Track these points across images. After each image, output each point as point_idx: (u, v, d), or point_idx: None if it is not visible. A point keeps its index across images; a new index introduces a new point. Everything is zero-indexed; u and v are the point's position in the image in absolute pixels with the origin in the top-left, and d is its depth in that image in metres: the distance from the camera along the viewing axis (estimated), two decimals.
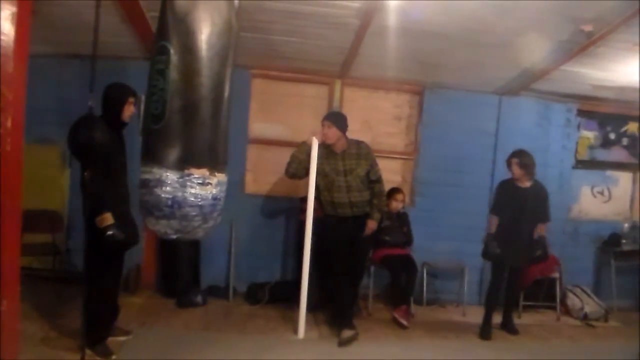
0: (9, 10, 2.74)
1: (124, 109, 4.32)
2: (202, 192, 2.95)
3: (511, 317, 6.21)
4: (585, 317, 6.73)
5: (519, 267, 6.12)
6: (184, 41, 2.93)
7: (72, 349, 4.40)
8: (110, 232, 4.05)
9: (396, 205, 6.53)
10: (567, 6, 4.78)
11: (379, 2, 4.80)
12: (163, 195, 2.90)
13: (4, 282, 2.87)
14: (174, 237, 3.07)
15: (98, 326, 4.34)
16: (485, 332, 5.93)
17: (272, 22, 5.46)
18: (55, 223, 6.34)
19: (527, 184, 5.91)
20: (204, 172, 2.97)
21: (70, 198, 6.49)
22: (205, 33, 2.94)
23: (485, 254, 6.02)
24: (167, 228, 3.01)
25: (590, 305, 6.82)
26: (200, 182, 2.94)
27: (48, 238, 6.17)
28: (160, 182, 2.90)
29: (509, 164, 5.94)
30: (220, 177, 3.09)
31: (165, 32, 2.98)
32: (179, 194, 2.90)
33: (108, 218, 4.06)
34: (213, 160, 3.04)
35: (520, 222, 5.89)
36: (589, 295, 7.00)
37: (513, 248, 5.86)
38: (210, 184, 2.99)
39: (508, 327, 6.12)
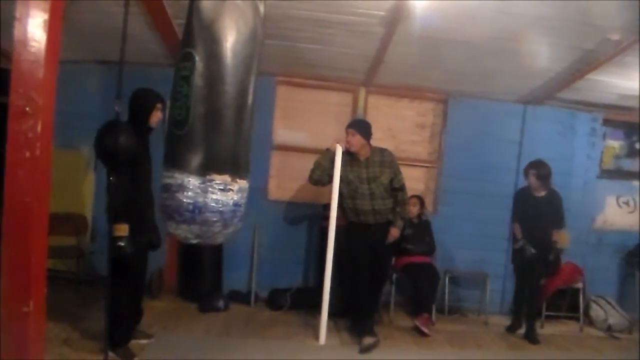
0: (40, 18, 2.80)
1: (151, 114, 4.37)
2: (223, 198, 2.97)
3: (534, 326, 6.16)
4: (609, 329, 6.65)
5: (538, 274, 6.17)
6: (209, 48, 2.96)
7: (94, 351, 4.46)
8: (120, 244, 4.07)
9: (411, 209, 6.47)
10: (593, 15, 4.74)
11: (404, 11, 4.80)
12: (184, 200, 2.92)
13: (31, 284, 2.92)
14: (194, 241, 3.10)
15: (121, 329, 4.39)
16: (510, 326, 6.35)
17: (298, 30, 5.50)
18: (80, 226, 6.43)
19: (542, 192, 6.07)
20: (226, 178, 2.99)
21: (95, 202, 6.56)
22: (230, 41, 2.97)
23: (515, 260, 6.25)
24: (187, 233, 3.03)
25: (615, 317, 6.73)
26: (222, 188, 2.96)
27: (73, 241, 6.25)
28: (182, 187, 2.93)
29: (526, 174, 6.11)
30: (242, 183, 3.11)
31: (191, 39, 3.01)
32: (200, 199, 2.92)
33: (123, 229, 4.08)
34: (235, 167, 3.06)
35: (536, 229, 6.02)
36: (613, 307, 6.90)
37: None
38: (232, 190, 3.00)
39: (530, 336, 6.07)
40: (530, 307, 6.21)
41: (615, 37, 5.07)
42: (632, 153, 7.62)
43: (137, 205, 4.27)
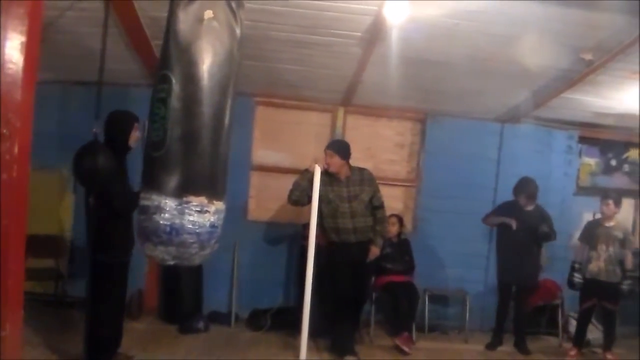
0: (18, 40, 2.79)
1: (130, 134, 4.40)
2: (200, 220, 2.96)
3: (523, 336, 6.32)
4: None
5: (527, 285, 6.31)
6: (185, 71, 2.96)
7: None
8: None
9: (390, 228, 6.49)
10: (567, 35, 4.83)
11: (381, 31, 4.86)
12: (161, 222, 2.91)
13: (7, 307, 2.90)
14: (171, 263, 3.09)
15: (100, 352, 4.36)
16: (490, 344, 6.36)
17: (276, 51, 5.53)
18: (59, 248, 6.38)
19: (530, 207, 6.22)
20: (202, 200, 2.98)
21: (74, 223, 6.51)
22: (207, 63, 2.98)
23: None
24: (164, 254, 3.02)
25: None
26: (199, 209, 2.95)
27: (51, 263, 6.19)
28: (159, 209, 2.92)
29: (515, 193, 6.24)
30: (219, 205, 3.10)
31: (167, 61, 3.02)
32: (177, 221, 2.91)
33: None
34: (212, 188, 3.06)
35: (525, 242, 6.14)
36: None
37: (519, 266, 6.14)
38: (208, 211, 2.99)
39: (520, 346, 6.27)
40: (519, 316, 6.36)
41: (588, 56, 5.15)
42: (607, 170, 7.72)
43: (117, 226, 4.27)
